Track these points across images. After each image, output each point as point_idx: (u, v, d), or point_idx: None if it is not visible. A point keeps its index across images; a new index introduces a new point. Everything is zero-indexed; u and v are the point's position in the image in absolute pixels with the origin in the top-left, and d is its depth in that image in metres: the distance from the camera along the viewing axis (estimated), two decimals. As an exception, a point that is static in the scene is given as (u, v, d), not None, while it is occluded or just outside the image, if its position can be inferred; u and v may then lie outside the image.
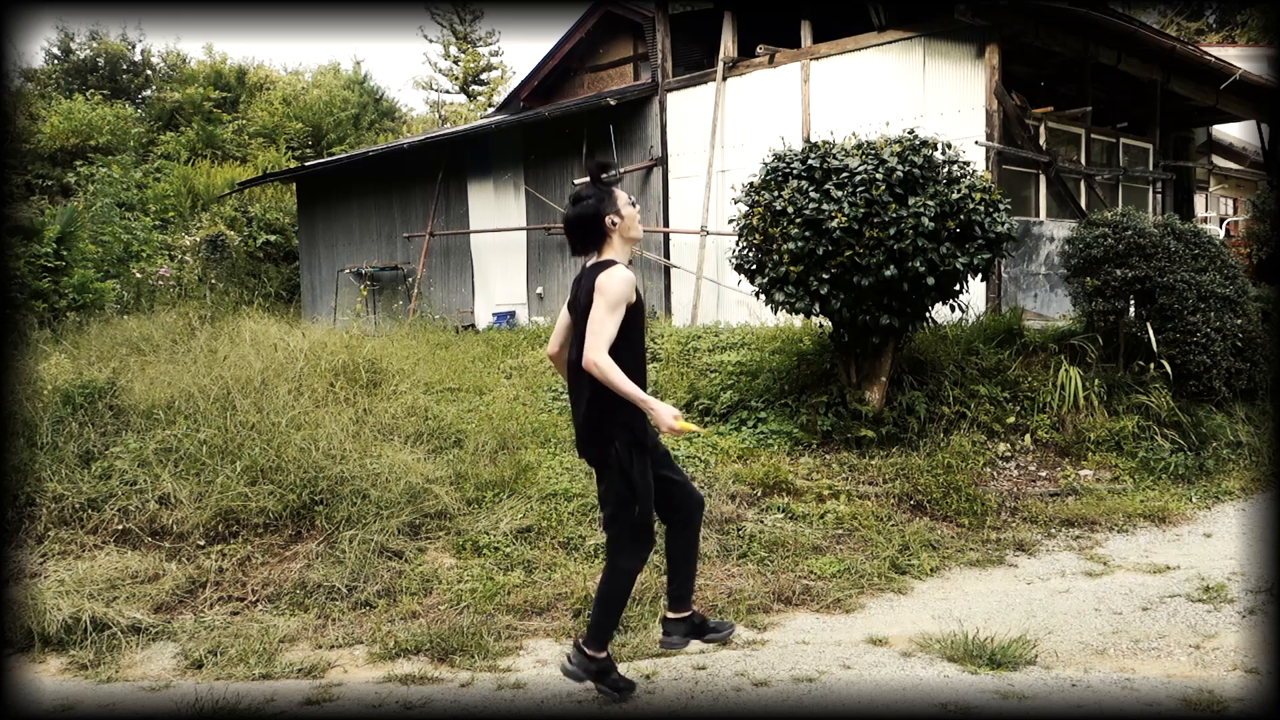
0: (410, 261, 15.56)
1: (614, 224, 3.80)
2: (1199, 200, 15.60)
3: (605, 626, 3.87)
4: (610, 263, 3.75)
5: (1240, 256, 10.11)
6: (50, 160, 21.11)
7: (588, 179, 3.90)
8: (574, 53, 15.48)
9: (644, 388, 3.80)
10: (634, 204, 3.91)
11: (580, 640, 3.90)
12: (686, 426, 3.61)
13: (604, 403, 3.69)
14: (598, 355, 3.57)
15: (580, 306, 3.76)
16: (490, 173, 14.58)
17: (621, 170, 12.63)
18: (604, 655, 3.88)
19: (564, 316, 4.00)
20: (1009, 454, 7.37)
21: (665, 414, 3.60)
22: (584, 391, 3.75)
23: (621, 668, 4.28)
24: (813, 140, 8.12)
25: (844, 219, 6.69)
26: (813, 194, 6.90)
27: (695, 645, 4.59)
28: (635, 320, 3.75)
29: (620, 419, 3.70)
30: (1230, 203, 17.30)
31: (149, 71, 28.59)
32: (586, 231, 3.81)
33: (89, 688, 4.28)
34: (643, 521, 3.78)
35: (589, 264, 3.84)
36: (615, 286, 3.64)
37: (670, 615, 4.06)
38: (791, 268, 6.96)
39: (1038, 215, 10.65)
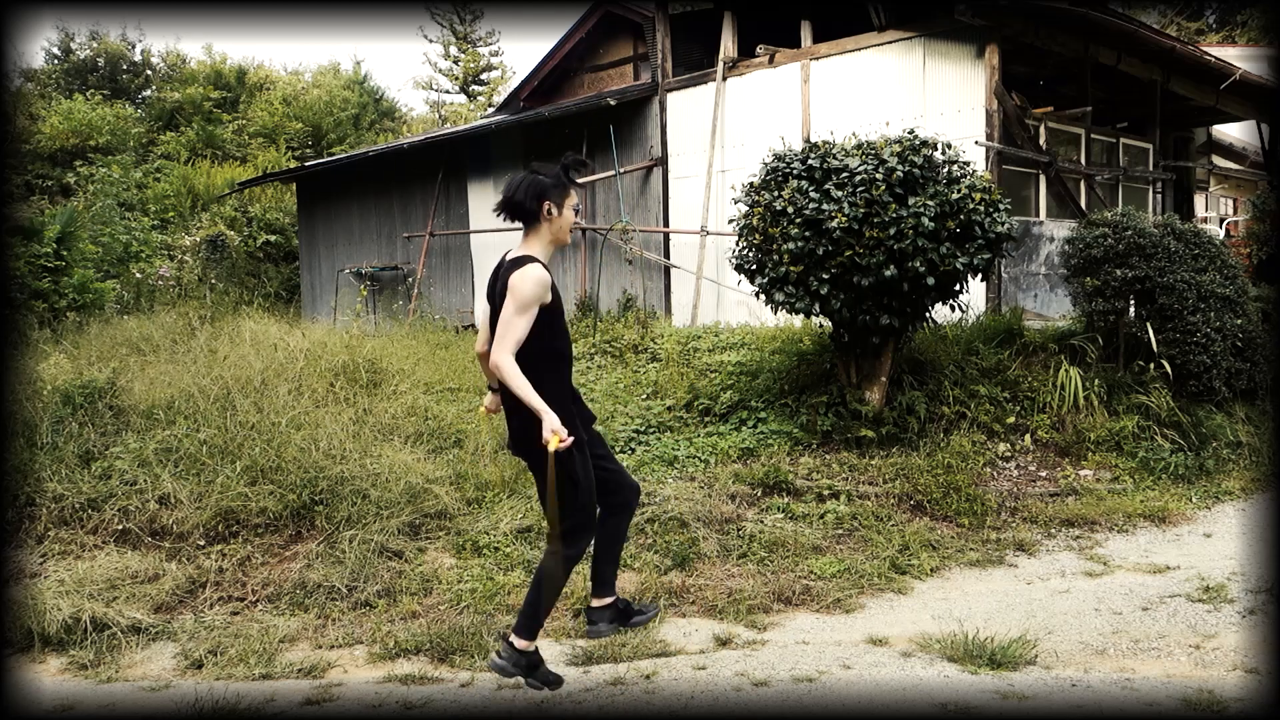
0: (410, 261, 15.56)
1: (550, 213, 3.68)
2: (1199, 200, 15.59)
3: (537, 615, 3.77)
4: (528, 259, 3.64)
5: (1240, 256, 10.11)
6: (50, 160, 21.11)
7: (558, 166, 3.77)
8: (574, 53, 15.48)
9: (567, 386, 3.77)
10: (578, 211, 3.81)
11: (508, 632, 3.81)
12: (554, 443, 3.47)
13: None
14: (501, 357, 3.50)
15: (496, 300, 3.69)
16: (490, 173, 14.57)
17: (621, 170, 12.64)
18: (533, 648, 3.79)
19: (484, 309, 3.90)
20: (1009, 454, 7.37)
21: (548, 425, 3.47)
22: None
23: (622, 668, 4.28)
24: (813, 140, 8.12)
25: (844, 219, 6.69)
26: (813, 194, 6.90)
27: (695, 645, 4.60)
28: (552, 320, 3.66)
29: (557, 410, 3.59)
30: (1230, 203, 17.29)
31: (149, 71, 28.58)
32: (523, 203, 3.67)
33: (89, 688, 4.28)
34: (585, 511, 3.73)
35: (508, 256, 3.74)
36: (526, 287, 3.54)
37: (594, 603, 4.01)
38: (791, 268, 6.96)
39: (1038, 215, 10.65)
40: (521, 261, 3.63)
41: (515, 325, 3.53)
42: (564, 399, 3.70)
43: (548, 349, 3.64)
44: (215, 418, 6.38)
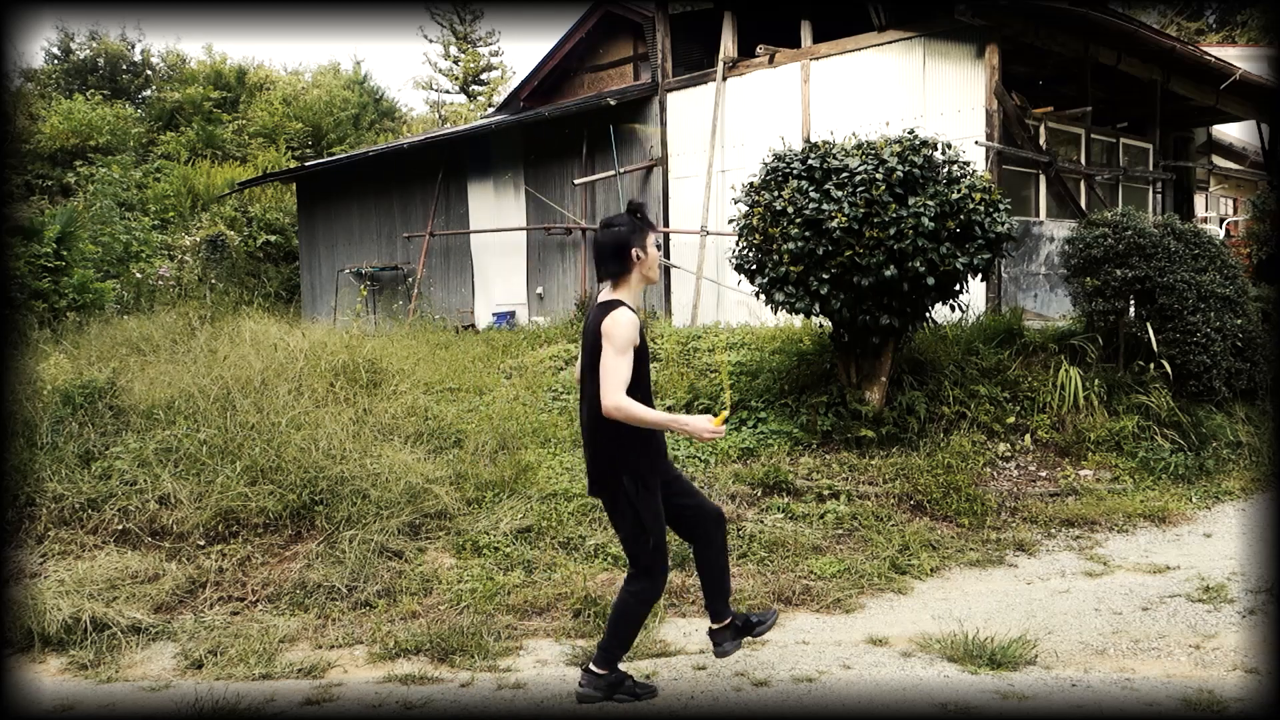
0: (410, 261, 15.56)
1: (638, 257, 3.86)
2: (1199, 200, 15.59)
3: (615, 648, 3.95)
4: (616, 304, 3.80)
5: (1240, 256, 10.11)
6: (50, 160, 21.11)
7: (625, 210, 3.97)
8: (574, 53, 15.48)
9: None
10: (659, 247, 3.98)
11: (589, 663, 3.98)
12: (720, 422, 3.70)
13: (612, 446, 3.80)
14: (618, 398, 3.66)
15: (588, 345, 3.86)
16: (490, 173, 14.58)
17: (621, 170, 12.64)
18: (611, 672, 3.95)
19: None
20: (1009, 454, 7.37)
21: (698, 426, 3.69)
22: (594, 433, 3.86)
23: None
24: (813, 140, 8.12)
25: (844, 219, 6.69)
26: (813, 194, 6.89)
27: (695, 645, 4.61)
28: (639, 362, 3.82)
29: (628, 461, 3.79)
30: (1230, 203, 17.29)
31: (149, 71, 28.58)
32: (611, 255, 3.86)
33: (89, 688, 4.28)
34: (657, 550, 3.87)
35: (598, 301, 3.91)
36: (620, 332, 3.71)
37: (714, 627, 4.10)
38: (791, 268, 6.96)
39: (1038, 215, 10.65)
40: (609, 306, 3.80)
41: (618, 368, 3.69)
42: (654, 444, 3.88)
43: (636, 393, 3.78)
44: (215, 418, 6.38)
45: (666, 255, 12.34)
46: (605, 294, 3.90)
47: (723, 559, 4.10)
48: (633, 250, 3.84)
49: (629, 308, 3.81)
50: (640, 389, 3.80)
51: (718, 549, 4.08)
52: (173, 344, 8.24)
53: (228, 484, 5.71)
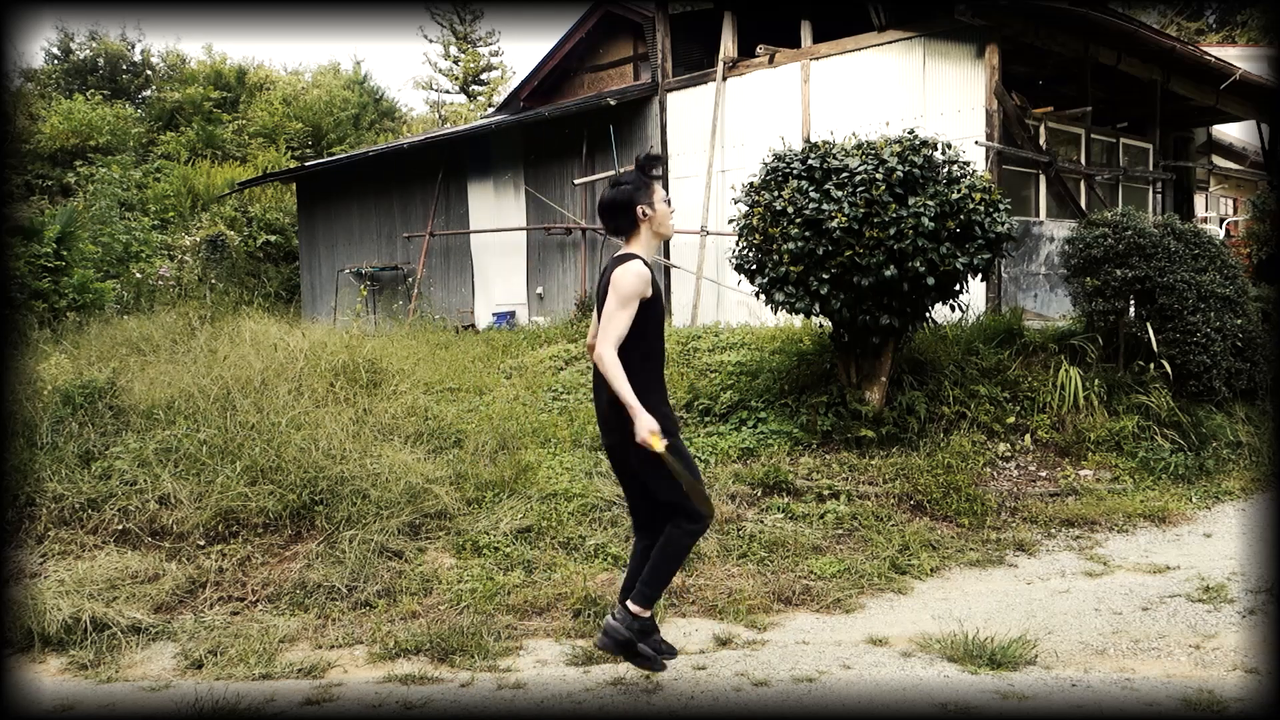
0: (410, 261, 15.56)
1: (644, 214, 3.88)
2: (1199, 200, 15.59)
3: (657, 587, 3.89)
4: (630, 256, 3.83)
5: (1240, 256, 10.11)
6: (50, 160, 21.11)
7: (633, 167, 3.98)
8: (574, 53, 15.49)
9: (660, 380, 3.93)
10: (669, 202, 4.00)
11: (624, 600, 3.92)
12: (654, 444, 3.61)
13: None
14: (604, 348, 3.68)
15: (600, 298, 3.87)
16: (490, 173, 14.58)
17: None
18: (648, 614, 3.89)
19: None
20: (1009, 454, 7.37)
21: (641, 424, 3.61)
22: (601, 381, 3.81)
23: (622, 668, 4.28)
24: (813, 140, 8.12)
25: (844, 219, 6.69)
26: (813, 194, 6.89)
27: (695, 645, 4.60)
28: (650, 315, 3.80)
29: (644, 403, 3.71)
30: (1230, 203, 17.29)
31: (149, 71, 28.58)
32: (617, 215, 3.89)
33: (89, 688, 4.28)
34: (695, 492, 3.81)
35: (615, 255, 3.91)
36: (628, 282, 3.73)
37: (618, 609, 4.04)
38: (791, 268, 6.96)
39: (1038, 215, 10.65)
40: (624, 258, 3.82)
41: (617, 319, 3.70)
42: (657, 396, 3.82)
43: (643, 346, 3.78)
44: (215, 418, 6.38)
45: (666, 255, 12.34)
46: (620, 250, 3.92)
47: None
48: (638, 208, 3.87)
49: (642, 260, 3.82)
50: (646, 342, 3.79)
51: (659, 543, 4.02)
52: (173, 344, 8.24)
53: (228, 484, 5.71)
